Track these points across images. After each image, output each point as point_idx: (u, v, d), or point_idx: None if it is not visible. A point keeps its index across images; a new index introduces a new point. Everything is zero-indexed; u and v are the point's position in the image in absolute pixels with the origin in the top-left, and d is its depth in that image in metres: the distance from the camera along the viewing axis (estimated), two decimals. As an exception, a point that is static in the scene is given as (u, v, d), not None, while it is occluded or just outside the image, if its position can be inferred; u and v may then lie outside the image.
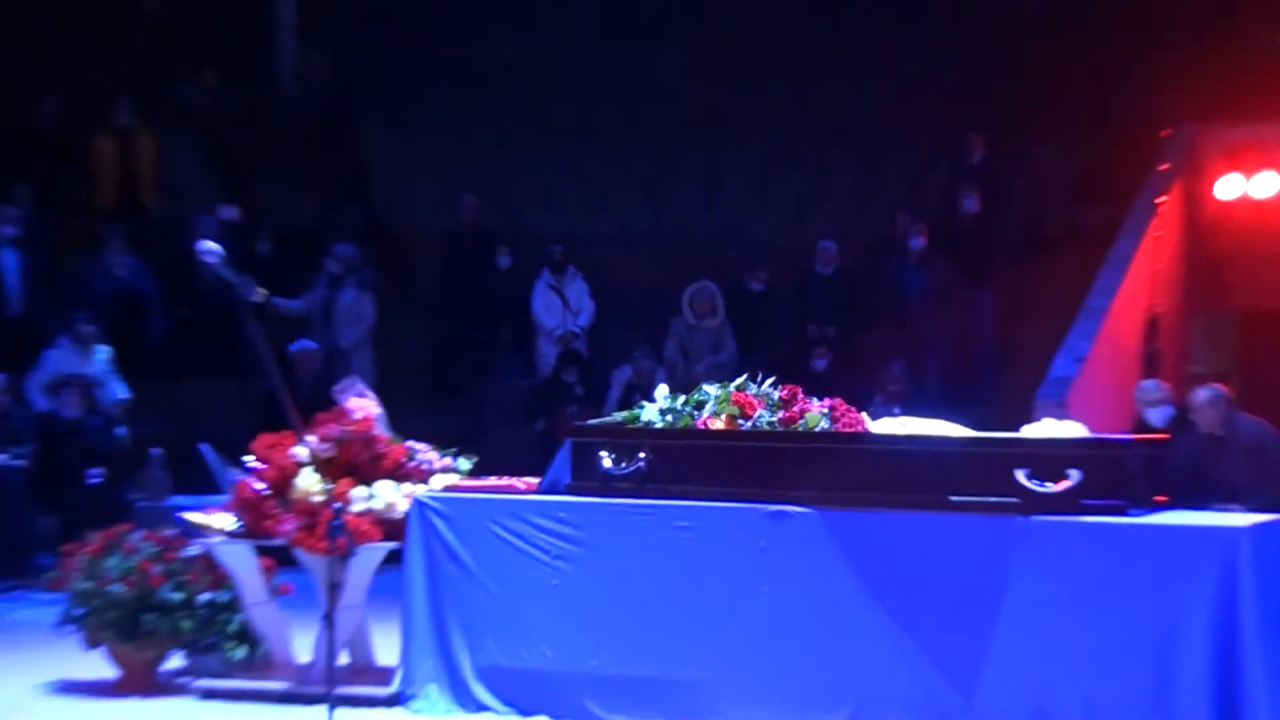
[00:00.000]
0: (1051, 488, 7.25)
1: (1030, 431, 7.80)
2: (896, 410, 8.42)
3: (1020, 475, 7.30)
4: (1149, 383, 11.91)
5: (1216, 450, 10.51)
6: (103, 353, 14.58)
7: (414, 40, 20.01)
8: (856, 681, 7.48)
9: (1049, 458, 7.35)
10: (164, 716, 8.32)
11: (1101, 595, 7.09)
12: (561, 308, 16.92)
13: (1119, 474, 7.34)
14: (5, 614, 11.73)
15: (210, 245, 6.96)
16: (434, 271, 18.39)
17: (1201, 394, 10.79)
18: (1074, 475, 7.24)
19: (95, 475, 13.27)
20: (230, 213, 16.67)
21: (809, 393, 8.26)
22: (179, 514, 9.62)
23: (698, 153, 18.24)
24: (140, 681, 8.87)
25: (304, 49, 21.52)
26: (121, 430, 14.13)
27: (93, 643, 8.90)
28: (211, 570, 8.93)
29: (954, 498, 7.43)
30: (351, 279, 16.75)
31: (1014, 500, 7.29)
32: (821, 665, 7.55)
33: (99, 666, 8.97)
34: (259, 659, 9.01)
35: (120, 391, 14.49)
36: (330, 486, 8.47)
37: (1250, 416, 10.53)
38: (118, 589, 8.77)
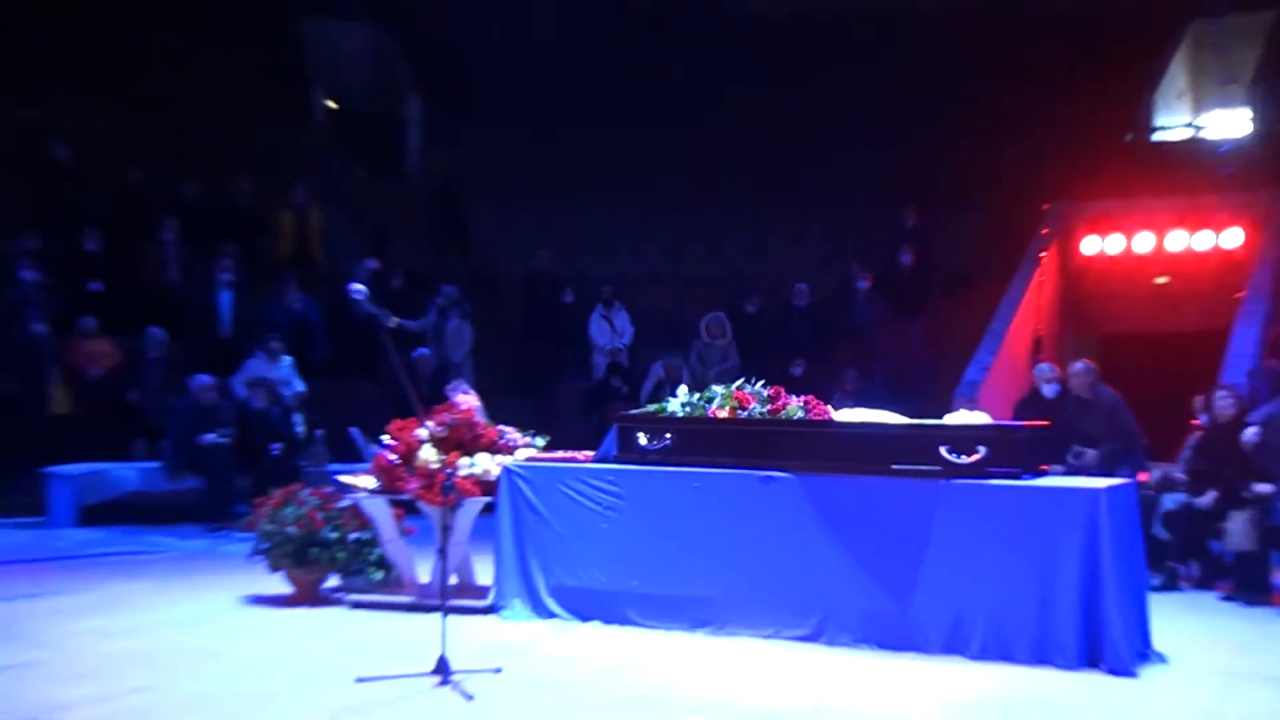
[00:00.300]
0: (965, 459, 7.27)
1: (950, 419, 7.79)
2: (851, 404, 8.38)
3: (943, 450, 7.33)
4: (1044, 365, 11.94)
5: (1083, 409, 10.56)
6: (285, 362, 14.69)
7: (502, 140, 20.03)
8: (823, 599, 7.51)
9: (964, 438, 7.36)
10: (324, 621, 8.35)
11: (1001, 537, 7.11)
12: (610, 331, 17.00)
13: (1014, 450, 7.36)
14: (214, 548, 11.82)
15: (358, 286, 7.03)
16: (517, 305, 18.47)
17: (1076, 366, 10.83)
18: (981, 450, 7.26)
19: (276, 449, 13.34)
20: (372, 263, 16.75)
21: (789, 391, 8.31)
22: (335, 477, 9.67)
23: (707, 216, 18.25)
24: (307, 596, 8.92)
25: (425, 146, 21.62)
26: (296, 417, 14.23)
27: (274, 568, 8.95)
28: (358, 517, 8.96)
29: (895, 465, 7.45)
30: (455, 310, 16.90)
31: (938, 468, 7.32)
32: (798, 587, 7.58)
33: (278, 585, 9.03)
34: (392, 580, 9.05)
35: (296, 389, 14.57)
36: (443, 457, 8.51)
37: (1107, 386, 10.62)
38: (292, 530, 8.83)
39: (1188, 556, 9.72)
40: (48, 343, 14.17)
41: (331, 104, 22.40)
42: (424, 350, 15.78)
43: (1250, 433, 9.39)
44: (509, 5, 20.68)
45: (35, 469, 12.99)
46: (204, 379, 13.54)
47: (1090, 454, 10.20)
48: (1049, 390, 11.60)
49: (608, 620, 8.00)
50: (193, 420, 13.26)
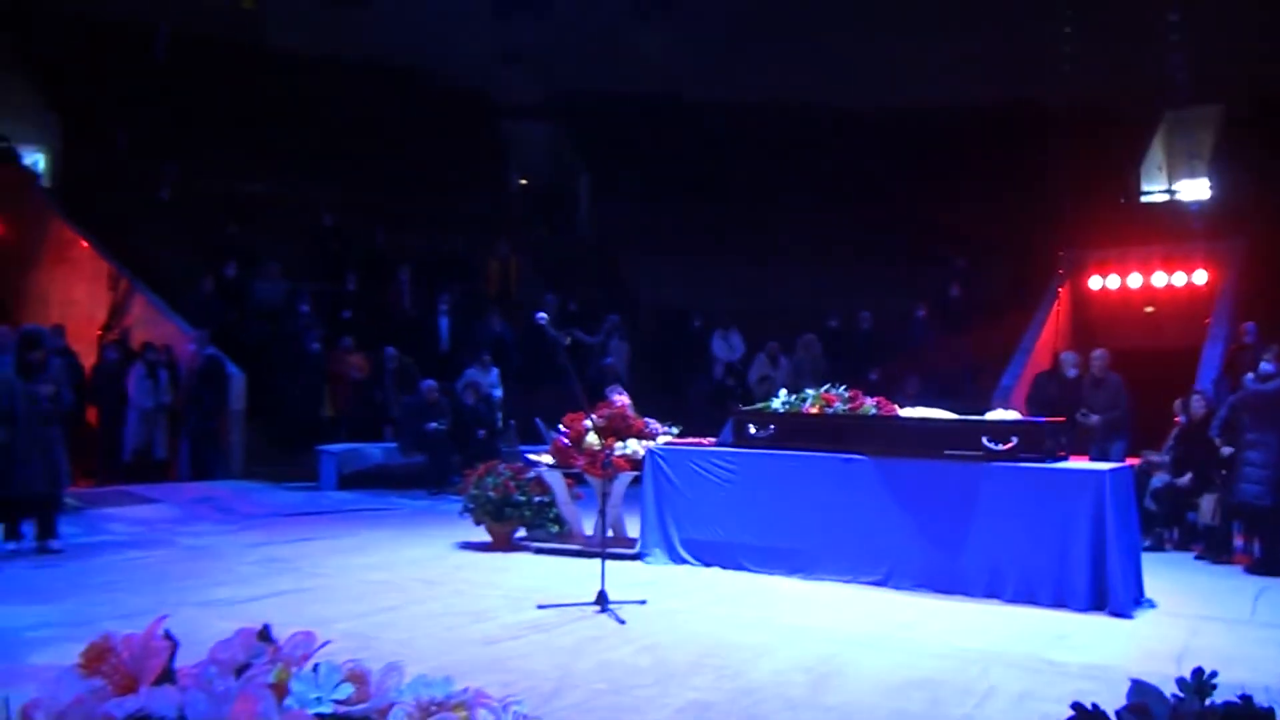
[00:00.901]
0: (1001, 447, 7.09)
1: (989, 416, 7.57)
2: (913, 404, 8.20)
3: (984, 439, 7.16)
4: (1069, 354, 12.05)
5: (1095, 387, 10.86)
6: (493, 372, 14.80)
7: (647, 208, 20.12)
8: (891, 553, 7.36)
9: (1000, 430, 7.18)
10: (514, 562, 8.41)
11: (1029, 507, 6.93)
12: (726, 348, 16.91)
13: (1039, 440, 7.16)
14: (434, 506, 11.96)
15: (542, 315, 7.03)
16: (658, 330, 18.44)
17: (1097, 351, 11.11)
18: (1014, 440, 7.08)
19: (481, 434, 13.46)
20: (551, 299, 16.91)
21: (865, 393, 8.15)
22: (525, 455, 9.72)
23: (796, 266, 18.03)
24: (502, 543, 8.98)
25: (592, 209, 21.83)
26: (498, 412, 14.34)
27: (478, 522, 9.04)
28: (540, 485, 9.01)
29: (946, 451, 7.27)
30: (617, 331, 17.00)
31: (980, 454, 7.14)
32: (872, 543, 7.43)
33: (481, 535, 9.10)
34: (565, 532, 9.08)
35: (498, 392, 14.68)
36: (603, 441, 8.50)
37: (1115, 373, 10.94)
38: (492, 494, 8.92)
39: (1171, 524, 9.56)
40: (319, 357, 14.51)
41: (523, 181, 22.76)
42: (610, 359, 15.95)
43: (1216, 418, 9.22)
44: (650, 114, 20.82)
45: (312, 447, 13.31)
46: (430, 383, 13.74)
47: (1095, 418, 10.64)
48: (1070, 372, 11.65)
49: (725, 565, 7.93)
50: (418, 412, 13.46)
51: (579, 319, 17.07)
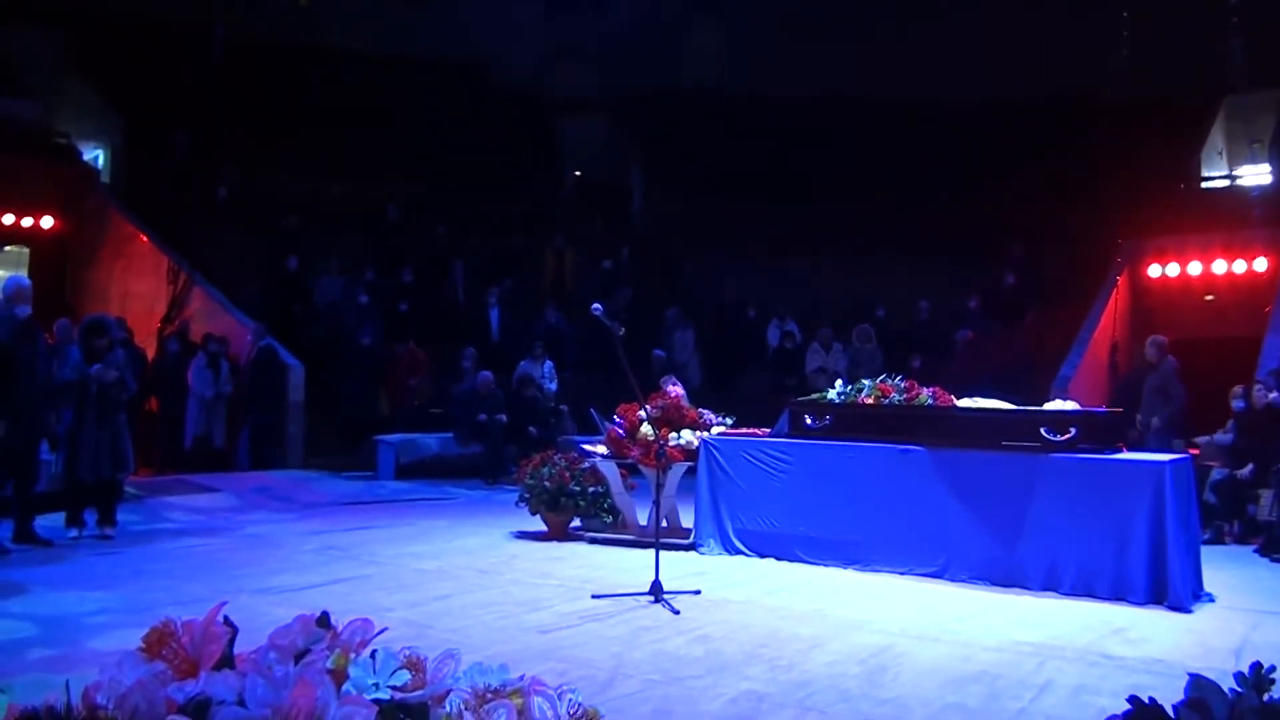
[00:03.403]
0: (1060, 438, 6.95)
1: (1048, 406, 7.42)
2: (970, 394, 8.08)
3: (1042, 430, 7.02)
4: (1154, 339, 11.44)
5: (1147, 370, 10.85)
6: (548, 364, 14.81)
7: (700, 204, 20.11)
8: (948, 545, 7.25)
9: (1059, 420, 7.04)
10: (570, 552, 8.41)
11: (1087, 499, 6.78)
12: (781, 337, 16.79)
13: (1098, 430, 7.05)
14: (492, 496, 12.02)
15: (598, 306, 7.02)
16: (717, 321, 18.32)
17: (1153, 338, 10.98)
18: (1073, 431, 6.94)
19: (533, 430, 13.42)
20: (622, 295, 16.95)
21: (920, 384, 8.02)
22: (580, 445, 9.72)
23: (849, 258, 17.87)
24: (558, 533, 8.99)
25: (647, 204, 21.83)
26: (552, 403, 14.35)
27: (534, 511, 9.05)
28: (595, 475, 9.00)
29: (1004, 442, 7.15)
30: (679, 325, 16.97)
31: (1038, 444, 7.01)
32: (929, 535, 7.33)
33: (536, 524, 9.13)
34: (619, 522, 9.08)
35: (553, 384, 14.68)
36: (658, 432, 8.46)
37: (1172, 358, 10.79)
38: (547, 484, 8.92)
39: (1231, 518, 9.34)
40: (373, 351, 14.61)
41: (578, 174, 22.83)
42: (659, 352, 15.80)
43: None
44: (702, 109, 20.76)
45: (370, 437, 13.42)
46: (486, 374, 13.79)
47: (1155, 421, 10.54)
48: (1154, 356, 11.31)
49: (780, 556, 7.87)
50: (472, 403, 13.51)
51: (632, 314, 17.06)
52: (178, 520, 9.79)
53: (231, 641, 1.72)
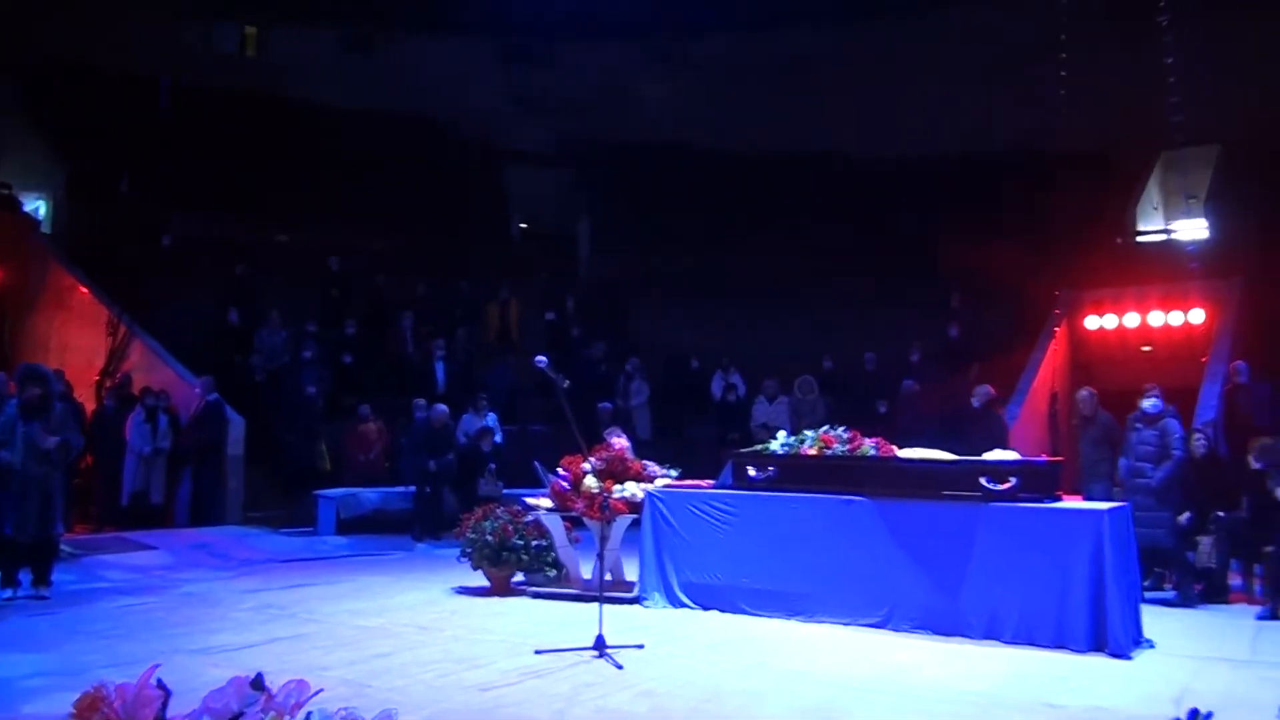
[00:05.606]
0: (1000, 487, 7.09)
1: (988, 456, 7.54)
2: (912, 444, 8.20)
3: (983, 480, 7.15)
4: (1084, 392, 11.49)
5: (1085, 424, 10.85)
6: (490, 416, 14.60)
7: (646, 253, 20.26)
8: (890, 595, 7.33)
9: (999, 470, 7.18)
10: (512, 607, 8.37)
11: (1028, 547, 6.91)
12: (724, 389, 16.85)
13: (1037, 479, 7.16)
14: (432, 551, 11.94)
15: (542, 358, 7.05)
16: (664, 372, 18.28)
17: (1082, 392, 11.04)
18: (1012, 480, 7.08)
19: (481, 482, 13.29)
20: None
21: (864, 434, 8.11)
22: (522, 499, 9.69)
23: (794, 306, 18.06)
24: (501, 588, 8.96)
25: (592, 256, 21.93)
26: (493, 461, 14.06)
27: (475, 566, 9.02)
28: (539, 528, 8.99)
29: (945, 492, 7.26)
30: (637, 375, 16.96)
31: (979, 494, 7.14)
32: (871, 585, 7.41)
33: (478, 579, 9.09)
34: (563, 576, 9.05)
35: (497, 436, 14.47)
36: (602, 484, 8.49)
37: (1104, 410, 10.84)
38: (489, 538, 8.90)
39: (1170, 564, 9.40)
40: (317, 403, 14.46)
41: (525, 226, 22.91)
42: (606, 404, 15.73)
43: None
44: (649, 161, 20.93)
45: (311, 491, 13.25)
46: (441, 408, 13.63)
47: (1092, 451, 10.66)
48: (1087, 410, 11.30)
49: (724, 609, 7.90)
50: (424, 440, 13.34)
51: (601, 368, 17.06)
52: (114, 579, 9.61)
53: (164, 705, 1.73)
